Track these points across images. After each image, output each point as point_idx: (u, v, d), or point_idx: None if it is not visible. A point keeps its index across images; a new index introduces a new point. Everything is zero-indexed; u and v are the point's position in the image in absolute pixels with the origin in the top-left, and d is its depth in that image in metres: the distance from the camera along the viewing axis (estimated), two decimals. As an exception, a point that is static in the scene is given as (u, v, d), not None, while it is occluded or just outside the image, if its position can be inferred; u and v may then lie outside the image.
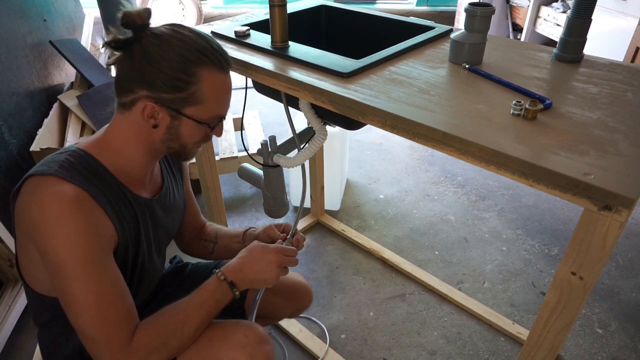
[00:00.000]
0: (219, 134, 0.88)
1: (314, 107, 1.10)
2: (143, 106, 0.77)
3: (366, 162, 2.52)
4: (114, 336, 0.73)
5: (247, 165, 1.34)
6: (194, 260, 1.19)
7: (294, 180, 2.07)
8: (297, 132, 1.26)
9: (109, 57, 0.79)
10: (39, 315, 0.88)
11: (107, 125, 0.84)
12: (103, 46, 0.78)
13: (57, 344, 0.88)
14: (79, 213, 0.72)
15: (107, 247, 0.76)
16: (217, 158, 2.10)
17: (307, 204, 2.09)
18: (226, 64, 0.81)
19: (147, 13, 0.77)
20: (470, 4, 0.96)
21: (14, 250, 1.35)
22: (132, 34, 0.77)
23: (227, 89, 0.82)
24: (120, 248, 0.80)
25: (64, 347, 0.88)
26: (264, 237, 1.09)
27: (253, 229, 1.13)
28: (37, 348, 1.35)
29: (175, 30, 0.77)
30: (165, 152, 0.86)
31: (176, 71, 0.75)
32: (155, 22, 0.76)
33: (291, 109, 1.18)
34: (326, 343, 1.48)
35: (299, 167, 1.23)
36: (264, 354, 0.86)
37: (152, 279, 0.98)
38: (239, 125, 2.43)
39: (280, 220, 2.09)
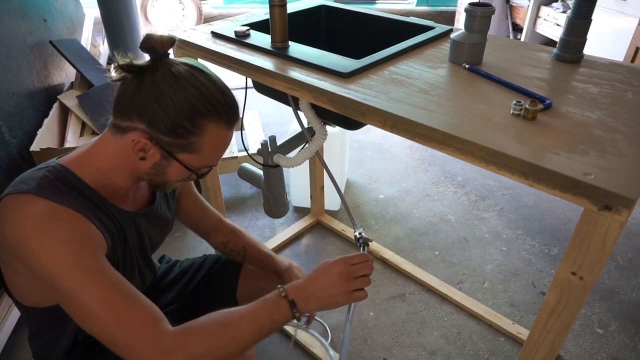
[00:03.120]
0: (204, 178, 0.87)
1: (314, 107, 1.10)
2: (137, 139, 0.74)
3: (366, 162, 2.52)
4: (135, 336, 0.69)
5: (247, 165, 1.34)
6: (182, 257, 1.23)
7: (294, 180, 2.07)
8: (297, 132, 1.26)
9: (115, 71, 0.74)
10: (29, 325, 0.88)
11: (93, 140, 0.82)
12: (115, 68, 0.74)
13: (47, 350, 0.89)
14: (56, 226, 0.69)
15: (97, 252, 0.73)
16: (217, 158, 2.10)
17: (307, 204, 2.09)
18: (234, 120, 0.79)
19: (170, 41, 0.75)
20: (470, 4, 0.96)
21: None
22: (148, 61, 0.74)
23: (226, 143, 0.80)
24: (109, 255, 0.78)
25: (53, 352, 0.88)
26: (287, 277, 1.11)
27: (279, 262, 1.14)
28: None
29: (194, 75, 0.74)
30: (145, 180, 0.84)
31: (182, 118, 0.72)
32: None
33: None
34: (327, 343, 1.48)
35: (299, 167, 1.24)
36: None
37: (140, 286, 0.98)
38: (239, 125, 2.43)
39: (280, 221, 2.09)
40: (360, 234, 1.13)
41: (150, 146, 0.75)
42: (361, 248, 1.07)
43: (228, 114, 0.77)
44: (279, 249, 1.91)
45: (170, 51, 0.77)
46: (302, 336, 1.48)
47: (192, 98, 0.72)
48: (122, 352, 0.70)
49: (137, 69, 0.73)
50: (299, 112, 1.16)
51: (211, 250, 1.84)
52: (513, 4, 3.77)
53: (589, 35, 1.00)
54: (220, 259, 1.20)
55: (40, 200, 0.70)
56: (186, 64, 0.75)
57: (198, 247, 1.87)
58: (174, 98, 0.71)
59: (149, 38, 0.73)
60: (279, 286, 0.79)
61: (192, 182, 1.11)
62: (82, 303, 0.68)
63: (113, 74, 0.74)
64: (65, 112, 2.07)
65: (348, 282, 0.77)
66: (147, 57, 0.76)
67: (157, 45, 0.73)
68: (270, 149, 1.19)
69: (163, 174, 0.80)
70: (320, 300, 0.77)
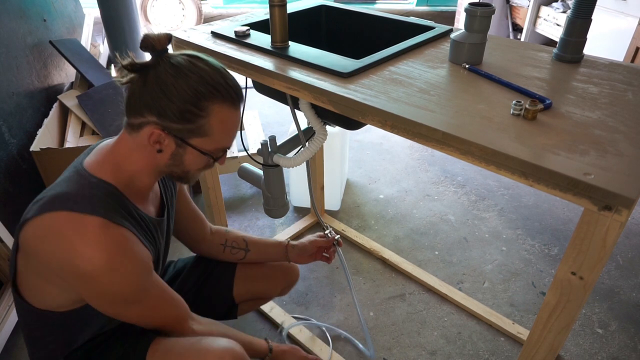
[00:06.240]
0: (222, 163, 0.90)
1: (314, 107, 1.10)
2: (150, 132, 0.78)
3: (366, 162, 2.52)
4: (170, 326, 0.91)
5: (247, 165, 1.34)
6: (182, 257, 1.29)
7: (294, 180, 2.07)
8: (297, 132, 1.26)
9: (121, 75, 0.79)
10: (31, 330, 0.88)
11: (112, 143, 0.85)
12: (118, 70, 0.78)
13: (47, 354, 0.89)
14: (124, 259, 0.76)
15: (150, 269, 0.83)
16: (217, 158, 2.10)
17: (307, 204, 2.09)
18: (238, 99, 0.82)
19: (167, 38, 0.79)
20: (470, 4, 0.96)
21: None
22: (150, 59, 0.78)
23: (235, 123, 0.84)
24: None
25: (53, 356, 0.88)
26: (311, 248, 1.27)
27: (294, 243, 1.26)
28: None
29: (193, 62, 0.78)
30: (167, 174, 0.88)
31: (187, 103, 0.76)
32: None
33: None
34: (329, 345, 1.48)
35: (299, 167, 1.24)
36: None
37: None
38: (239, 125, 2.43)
39: (280, 221, 2.09)
40: (330, 232, 1.32)
41: (164, 136, 0.78)
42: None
43: (230, 93, 0.80)
44: (279, 249, 1.91)
45: (170, 47, 0.81)
46: (302, 337, 1.48)
47: (194, 83, 0.76)
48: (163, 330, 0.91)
49: (140, 67, 0.77)
50: (297, 113, 1.16)
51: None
52: (513, 4, 3.77)
53: (589, 35, 1.00)
54: (214, 259, 1.22)
55: (103, 226, 0.75)
56: (185, 54, 0.79)
57: (198, 247, 1.87)
58: (176, 86, 0.75)
59: (147, 37, 0.77)
60: (269, 340, 1.16)
61: (187, 193, 1.13)
62: (137, 310, 0.84)
63: (119, 76, 0.78)
64: (65, 112, 2.07)
65: None
66: (148, 56, 0.79)
67: (155, 43, 0.77)
68: (270, 149, 1.19)
69: (181, 163, 0.83)
70: None
